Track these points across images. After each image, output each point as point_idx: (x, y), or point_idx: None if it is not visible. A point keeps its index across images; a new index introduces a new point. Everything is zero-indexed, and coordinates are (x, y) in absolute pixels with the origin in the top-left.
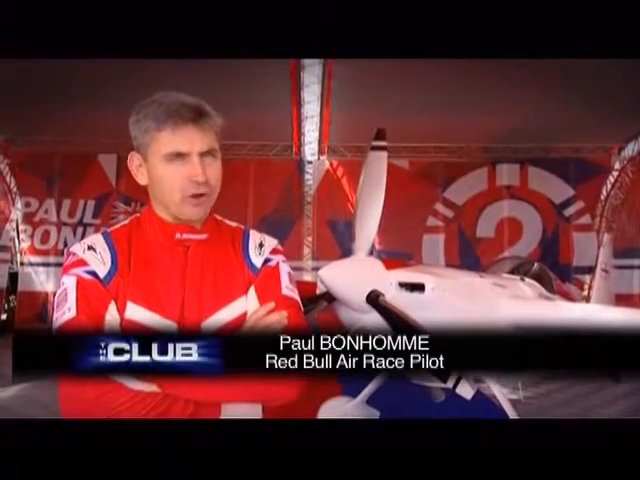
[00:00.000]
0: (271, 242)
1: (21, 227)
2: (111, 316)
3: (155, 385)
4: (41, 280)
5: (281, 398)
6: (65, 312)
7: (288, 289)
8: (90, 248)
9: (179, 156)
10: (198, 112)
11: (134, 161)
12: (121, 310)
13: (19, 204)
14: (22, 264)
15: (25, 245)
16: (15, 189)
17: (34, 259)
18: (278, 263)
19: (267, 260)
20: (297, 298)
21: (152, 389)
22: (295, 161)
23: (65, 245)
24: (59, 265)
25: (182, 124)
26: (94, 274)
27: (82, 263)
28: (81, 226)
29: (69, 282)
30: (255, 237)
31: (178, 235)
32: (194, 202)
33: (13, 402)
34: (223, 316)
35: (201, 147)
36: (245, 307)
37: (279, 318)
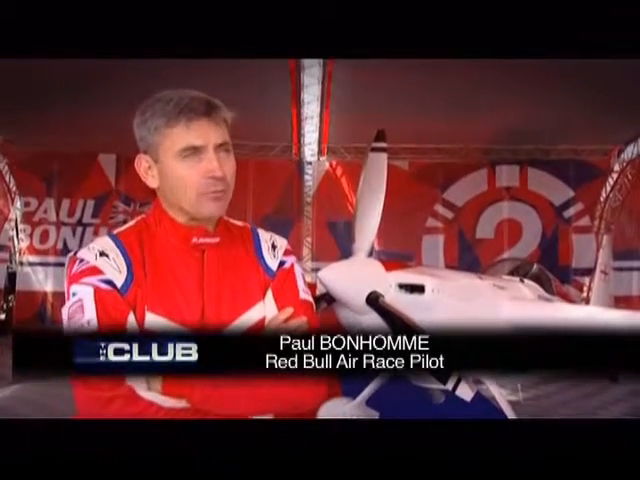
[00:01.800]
0: (282, 242)
1: (20, 226)
2: (132, 328)
3: (185, 401)
4: (40, 280)
5: (306, 407)
6: (83, 325)
7: (305, 292)
8: (102, 254)
9: (194, 151)
10: (210, 105)
11: (142, 164)
12: (140, 321)
13: (18, 203)
14: (21, 263)
15: (24, 244)
16: (14, 188)
17: (33, 259)
18: (293, 265)
19: (282, 262)
20: (312, 301)
21: (182, 405)
22: (295, 162)
23: (64, 245)
24: (58, 265)
25: (195, 118)
26: (111, 283)
27: (96, 271)
28: (80, 226)
29: (84, 292)
30: (266, 237)
31: (195, 239)
32: (212, 197)
33: (10, 403)
34: (242, 323)
35: (216, 139)
36: (263, 313)
37: (300, 324)
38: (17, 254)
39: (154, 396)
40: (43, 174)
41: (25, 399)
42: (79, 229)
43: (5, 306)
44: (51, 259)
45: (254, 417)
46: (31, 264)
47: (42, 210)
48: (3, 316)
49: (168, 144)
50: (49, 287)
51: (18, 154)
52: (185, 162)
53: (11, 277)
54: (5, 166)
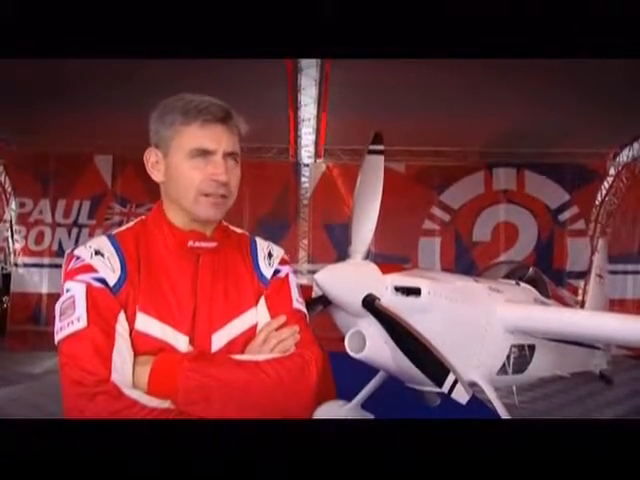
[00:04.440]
0: (279, 252)
1: (15, 227)
2: (121, 327)
3: (169, 402)
4: (35, 281)
5: (295, 415)
6: (73, 322)
7: (298, 302)
8: (97, 253)
9: (204, 154)
10: (228, 113)
11: (151, 157)
12: (130, 320)
13: (13, 204)
14: (16, 265)
15: (19, 246)
16: (10, 189)
17: (28, 260)
18: (288, 275)
19: (277, 271)
20: (305, 311)
21: (166, 406)
22: (291, 164)
23: (60, 246)
24: (53, 266)
25: (212, 121)
26: (104, 282)
27: (90, 269)
28: (76, 227)
29: (77, 289)
30: (263, 245)
31: (191, 243)
32: (211, 201)
33: (7, 405)
34: (234, 328)
35: (226, 147)
36: (255, 319)
37: (291, 332)
38: (12, 255)
39: (139, 395)
40: (39, 175)
41: (20, 400)
42: (74, 230)
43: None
44: (46, 260)
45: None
46: (26, 265)
47: (37, 211)
48: None
49: (180, 141)
50: (44, 289)
51: (14, 154)
52: (192, 162)
53: (6, 278)
54: (0, 166)
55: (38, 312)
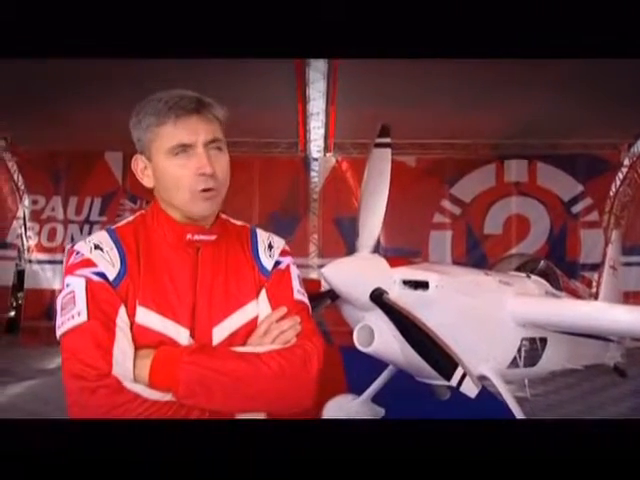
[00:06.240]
0: (280, 243)
1: (28, 224)
2: (122, 321)
3: (171, 394)
4: (48, 277)
5: (296, 407)
6: (74, 316)
7: (300, 293)
8: (97, 247)
9: (184, 149)
10: (200, 102)
11: (138, 164)
12: (131, 314)
13: (26, 201)
14: (29, 261)
15: (32, 242)
16: (22, 187)
17: (41, 256)
18: (289, 266)
19: (277, 262)
20: (307, 302)
21: (168, 398)
22: (301, 158)
23: (72, 243)
24: None
25: (185, 115)
26: (103, 276)
27: (89, 264)
28: (88, 224)
29: (77, 284)
30: (263, 237)
31: (189, 236)
32: (204, 197)
33: (19, 399)
34: (235, 321)
35: (205, 137)
36: (256, 311)
37: (292, 324)
38: (25, 252)
39: (140, 388)
40: (51, 172)
41: (35, 396)
42: (86, 227)
43: (14, 304)
44: (59, 257)
45: (243, 415)
46: (39, 262)
47: (50, 208)
48: (13, 313)
49: (159, 142)
50: (57, 284)
51: (26, 152)
52: (175, 160)
53: (20, 275)
54: (14, 164)
55: (52, 308)
